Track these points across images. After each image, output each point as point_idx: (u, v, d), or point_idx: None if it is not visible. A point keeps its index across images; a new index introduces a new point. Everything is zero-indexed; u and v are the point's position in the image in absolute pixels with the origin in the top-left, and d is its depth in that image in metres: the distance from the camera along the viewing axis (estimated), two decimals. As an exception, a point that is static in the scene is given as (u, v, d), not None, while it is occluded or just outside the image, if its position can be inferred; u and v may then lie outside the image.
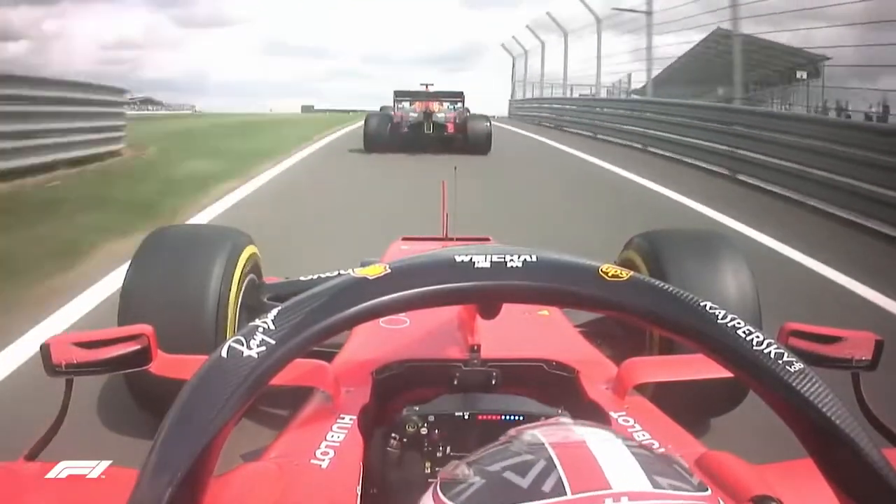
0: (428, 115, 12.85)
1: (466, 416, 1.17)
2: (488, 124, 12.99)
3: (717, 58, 14.94)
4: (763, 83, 16.81)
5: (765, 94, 16.64)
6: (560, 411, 1.16)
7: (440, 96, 13.79)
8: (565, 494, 0.50)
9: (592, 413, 1.29)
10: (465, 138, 12.64)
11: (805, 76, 16.15)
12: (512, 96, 32.60)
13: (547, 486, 0.51)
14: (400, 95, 13.85)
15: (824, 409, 0.69)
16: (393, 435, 1.16)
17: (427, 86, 14.44)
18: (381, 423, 1.26)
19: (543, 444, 0.56)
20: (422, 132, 12.74)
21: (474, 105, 14.71)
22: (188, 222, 5.75)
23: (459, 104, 13.59)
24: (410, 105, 13.36)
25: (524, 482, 0.52)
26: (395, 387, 1.43)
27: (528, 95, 29.03)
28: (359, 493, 1.01)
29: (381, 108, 14.74)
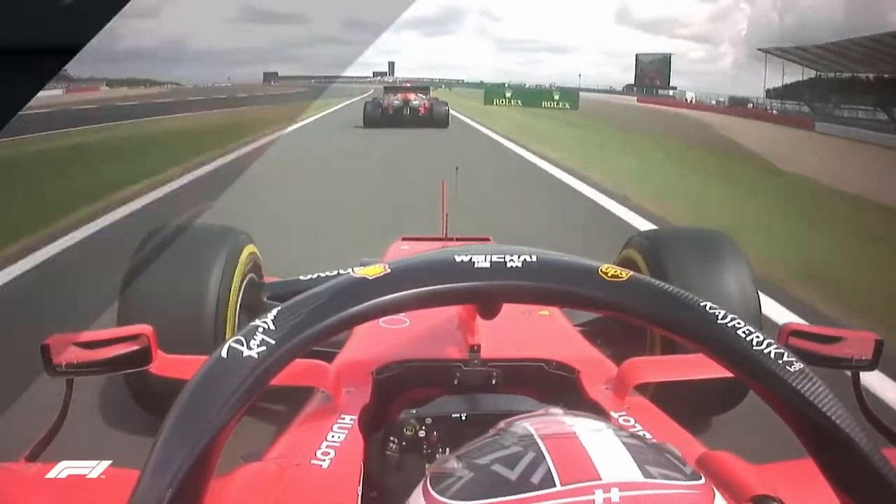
0: (406, 102, 19.83)
1: (464, 417, 1.17)
2: (447, 108, 20.08)
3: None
4: None
5: None
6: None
7: (415, 89, 21.78)
8: (555, 486, 0.50)
9: (593, 413, 1.29)
10: (431, 118, 19.38)
11: None
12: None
13: (536, 478, 0.51)
14: (388, 89, 21.88)
15: (824, 409, 0.69)
16: (391, 438, 1.15)
17: (406, 83, 24.70)
18: (381, 423, 1.26)
19: (533, 435, 0.56)
20: (402, 114, 19.37)
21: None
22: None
23: (427, 94, 21.34)
24: (395, 95, 20.43)
25: (513, 475, 0.52)
26: (396, 387, 1.43)
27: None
28: (359, 494, 1.01)
29: (374, 99, 20.85)
